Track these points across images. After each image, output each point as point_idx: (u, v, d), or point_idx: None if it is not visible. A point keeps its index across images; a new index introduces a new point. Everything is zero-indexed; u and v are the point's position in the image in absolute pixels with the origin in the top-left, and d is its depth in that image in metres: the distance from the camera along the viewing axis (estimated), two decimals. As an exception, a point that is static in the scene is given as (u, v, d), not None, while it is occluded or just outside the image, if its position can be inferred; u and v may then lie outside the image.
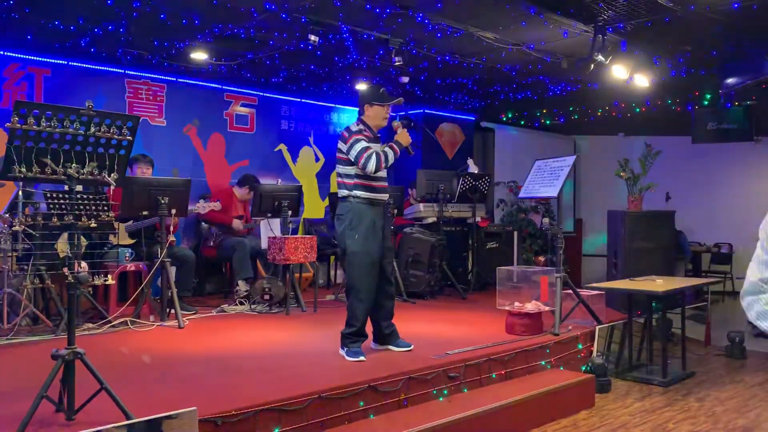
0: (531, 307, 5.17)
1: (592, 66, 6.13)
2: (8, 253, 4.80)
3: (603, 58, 6.02)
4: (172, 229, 5.39)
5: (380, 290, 4.36)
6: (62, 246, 5.11)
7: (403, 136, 4.36)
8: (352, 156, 4.23)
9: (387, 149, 4.29)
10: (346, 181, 4.31)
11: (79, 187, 3.37)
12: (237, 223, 6.81)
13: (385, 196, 4.38)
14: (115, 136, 3.28)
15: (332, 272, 8.37)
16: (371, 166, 4.17)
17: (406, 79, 6.99)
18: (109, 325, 5.10)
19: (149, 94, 7.26)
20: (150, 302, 5.57)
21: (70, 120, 3.13)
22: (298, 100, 8.59)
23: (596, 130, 10.54)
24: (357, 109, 4.52)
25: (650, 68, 6.88)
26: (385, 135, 4.57)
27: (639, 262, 6.58)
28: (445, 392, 4.07)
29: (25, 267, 4.88)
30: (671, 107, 9.09)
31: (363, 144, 4.22)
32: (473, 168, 8.39)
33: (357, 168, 4.24)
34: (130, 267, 5.61)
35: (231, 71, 7.41)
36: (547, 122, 10.43)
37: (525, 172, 6.28)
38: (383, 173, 4.38)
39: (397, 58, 6.16)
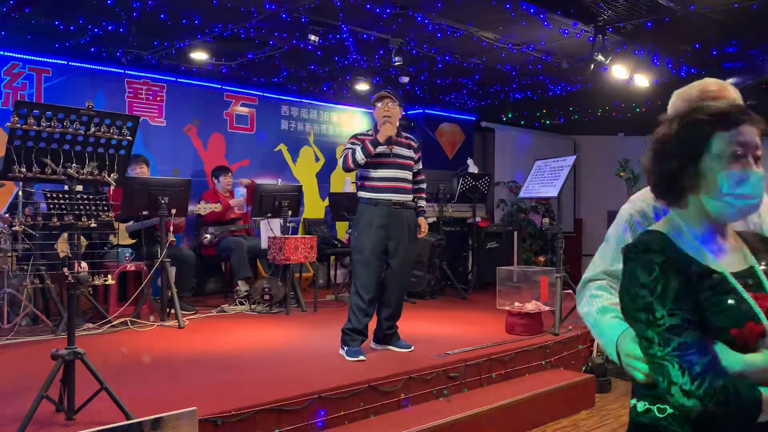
0: (531, 307, 5.16)
1: (592, 66, 6.12)
2: (8, 253, 4.80)
3: (603, 58, 6.02)
4: (175, 229, 5.40)
5: (387, 290, 4.39)
6: (62, 246, 5.10)
7: (382, 132, 4.31)
8: None
9: (356, 146, 4.30)
10: (357, 182, 4.48)
11: (79, 187, 3.37)
12: (234, 201, 6.85)
13: (391, 196, 4.32)
14: (115, 136, 3.28)
15: (332, 272, 8.37)
16: (340, 164, 4.41)
17: (406, 79, 6.98)
18: (109, 325, 5.10)
19: (149, 94, 7.25)
20: (150, 302, 5.57)
21: (70, 120, 3.13)
22: (298, 100, 8.59)
23: (596, 130, 10.53)
24: (357, 109, 4.56)
25: (650, 68, 6.88)
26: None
27: (639, 262, 6.57)
28: (445, 392, 4.07)
29: (25, 267, 4.88)
30: (671, 107, 9.07)
31: (347, 146, 4.40)
32: (473, 168, 8.39)
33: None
34: (130, 267, 5.60)
35: (231, 71, 7.40)
36: (547, 122, 10.43)
37: (525, 172, 6.29)
38: (396, 173, 4.36)
39: (397, 58, 6.16)
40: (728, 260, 1.40)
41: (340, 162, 4.40)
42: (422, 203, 4.58)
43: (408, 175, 4.44)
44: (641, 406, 1.41)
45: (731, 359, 1.27)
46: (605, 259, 1.72)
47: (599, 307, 1.61)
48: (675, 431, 1.34)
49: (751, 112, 1.40)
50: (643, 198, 1.74)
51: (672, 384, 1.26)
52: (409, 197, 4.44)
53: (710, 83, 1.79)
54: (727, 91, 1.76)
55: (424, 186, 4.64)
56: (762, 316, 1.31)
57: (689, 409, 1.25)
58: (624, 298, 1.41)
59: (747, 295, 1.32)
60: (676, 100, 1.81)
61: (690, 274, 1.34)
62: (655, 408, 1.38)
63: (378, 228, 4.28)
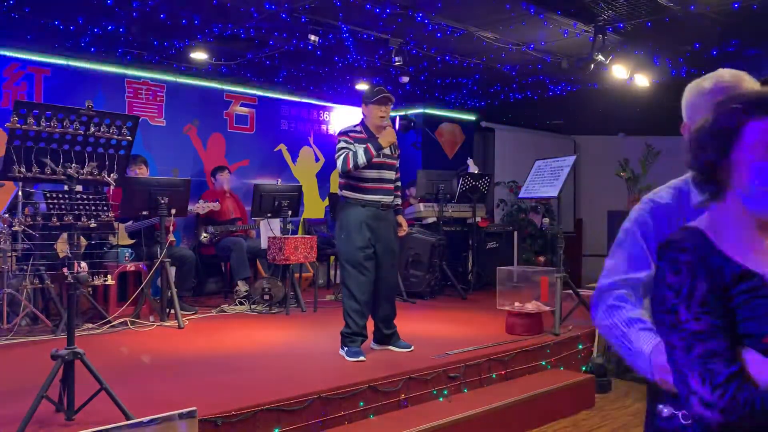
0: (531, 307, 5.16)
1: (592, 66, 6.12)
2: (8, 253, 4.80)
3: (603, 58, 6.02)
4: (171, 228, 5.40)
5: (379, 292, 4.37)
6: (62, 246, 5.10)
7: (385, 137, 4.28)
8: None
9: (358, 148, 4.24)
10: (340, 181, 4.41)
11: (79, 187, 3.36)
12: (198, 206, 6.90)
13: (380, 198, 4.31)
14: (115, 136, 3.28)
15: (332, 272, 8.37)
16: (339, 165, 4.28)
17: (406, 79, 6.98)
18: (109, 325, 5.10)
19: (149, 94, 7.25)
20: (150, 302, 5.57)
21: (69, 120, 3.13)
22: (298, 100, 8.58)
23: (596, 130, 10.53)
24: (357, 108, 4.52)
25: (650, 68, 6.88)
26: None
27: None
28: (445, 392, 4.07)
29: (25, 267, 4.88)
30: (671, 107, 9.07)
31: (342, 144, 4.30)
32: (473, 168, 8.39)
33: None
34: (130, 267, 5.61)
35: (231, 71, 7.40)
36: (547, 122, 10.42)
37: (525, 172, 6.28)
38: (383, 174, 4.34)
39: (397, 58, 6.15)
40: None
41: (339, 163, 4.27)
42: (398, 201, 4.57)
43: (393, 175, 4.44)
44: (667, 411, 1.35)
45: (761, 369, 1.15)
46: (620, 266, 1.59)
47: (625, 318, 1.49)
48: None
49: None
50: (659, 188, 1.65)
51: (691, 393, 1.17)
52: (392, 197, 4.44)
53: (724, 73, 1.64)
54: (743, 81, 1.60)
55: (399, 184, 4.63)
56: None
57: (708, 421, 1.15)
58: (653, 300, 1.31)
59: None
60: (688, 95, 1.71)
61: (723, 275, 1.22)
62: (680, 414, 1.32)
63: (367, 229, 4.25)
